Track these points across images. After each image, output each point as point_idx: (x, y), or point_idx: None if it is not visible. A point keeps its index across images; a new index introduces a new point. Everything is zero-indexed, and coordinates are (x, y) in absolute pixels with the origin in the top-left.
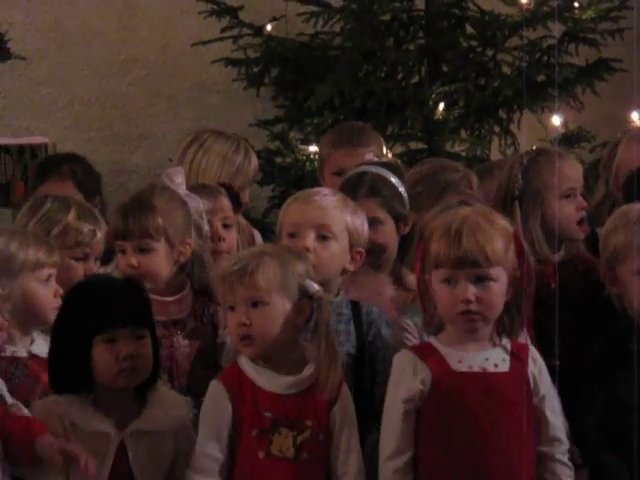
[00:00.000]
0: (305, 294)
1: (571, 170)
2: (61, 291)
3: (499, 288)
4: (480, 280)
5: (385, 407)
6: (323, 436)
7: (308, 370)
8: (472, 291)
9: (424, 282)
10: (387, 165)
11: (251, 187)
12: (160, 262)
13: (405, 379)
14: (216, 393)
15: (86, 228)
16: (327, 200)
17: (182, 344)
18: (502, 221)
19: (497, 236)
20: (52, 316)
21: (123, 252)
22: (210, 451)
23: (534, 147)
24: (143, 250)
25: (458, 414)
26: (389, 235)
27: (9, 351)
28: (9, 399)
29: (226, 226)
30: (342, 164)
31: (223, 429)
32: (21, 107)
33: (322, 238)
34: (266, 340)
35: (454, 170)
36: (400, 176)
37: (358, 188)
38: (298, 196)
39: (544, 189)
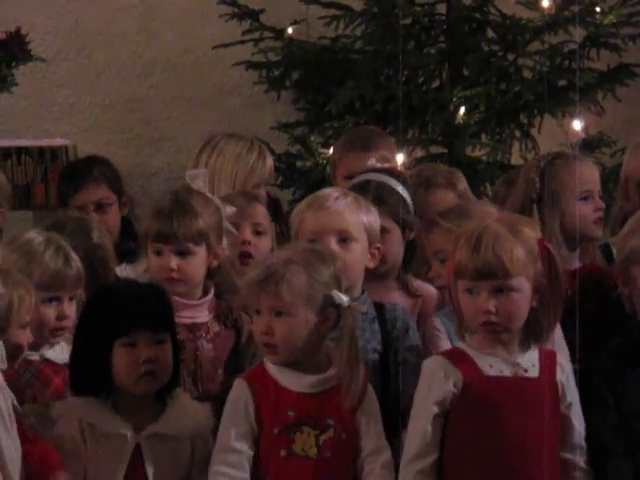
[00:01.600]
0: (331, 303)
1: (588, 172)
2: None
3: (521, 298)
4: (501, 291)
5: (414, 409)
6: (346, 435)
7: (332, 370)
8: (492, 303)
9: (455, 289)
10: (390, 172)
11: (266, 186)
12: (198, 267)
13: (437, 382)
14: (240, 391)
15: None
16: (341, 203)
17: (206, 348)
18: (527, 228)
19: (518, 245)
20: None
21: (158, 253)
22: (236, 445)
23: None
24: (182, 253)
25: (488, 418)
26: (396, 243)
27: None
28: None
29: (258, 233)
30: (352, 168)
31: (247, 425)
32: (42, 109)
33: (343, 242)
34: (289, 349)
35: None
36: (404, 182)
37: (363, 197)
38: (311, 202)
39: (562, 191)
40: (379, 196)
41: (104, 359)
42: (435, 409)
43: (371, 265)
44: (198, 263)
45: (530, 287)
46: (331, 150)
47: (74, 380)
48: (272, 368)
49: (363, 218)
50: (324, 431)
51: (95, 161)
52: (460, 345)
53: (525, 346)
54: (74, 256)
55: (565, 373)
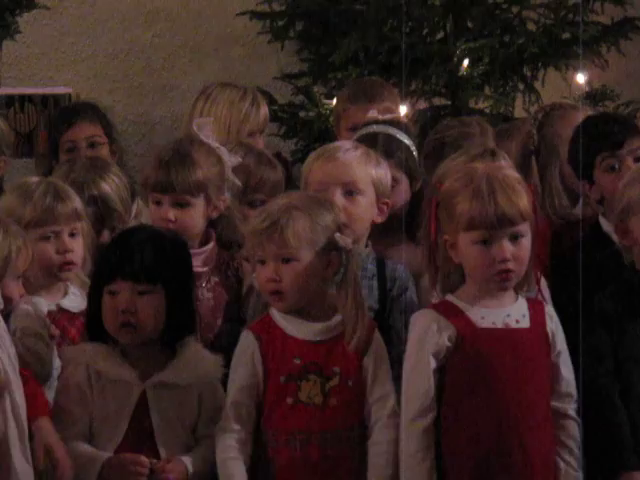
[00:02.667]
0: (334, 246)
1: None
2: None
3: (528, 243)
4: (515, 238)
5: (408, 366)
6: (352, 382)
7: (337, 317)
8: (510, 250)
9: (440, 243)
10: (393, 123)
11: (263, 135)
12: (196, 217)
13: (431, 336)
14: (246, 342)
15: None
16: (350, 155)
17: (206, 297)
18: (512, 172)
19: (523, 191)
20: None
21: (158, 203)
22: (242, 399)
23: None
24: (181, 204)
25: (483, 370)
26: (404, 194)
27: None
28: None
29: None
30: (357, 119)
31: (253, 377)
32: (45, 57)
33: (349, 194)
34: (296, 294)
35: (469, 138)
36: (408, 133)
37: (372, 149)
38: (320, 153)
39: (559, 142)
40: (387, 148)
41: (94, 304)
42: (433, 363)
43: (379, 219)
44: (197, 214)
45: (531, 234)
46: (334, 101)
47: (88, 325)
48: (278, 317)
49: (372, 171)
50: (330, 378)
51: (87, 103)
52: (449, 298)
53: (515, 295)
54: (70, 192)
55: (554, 322)
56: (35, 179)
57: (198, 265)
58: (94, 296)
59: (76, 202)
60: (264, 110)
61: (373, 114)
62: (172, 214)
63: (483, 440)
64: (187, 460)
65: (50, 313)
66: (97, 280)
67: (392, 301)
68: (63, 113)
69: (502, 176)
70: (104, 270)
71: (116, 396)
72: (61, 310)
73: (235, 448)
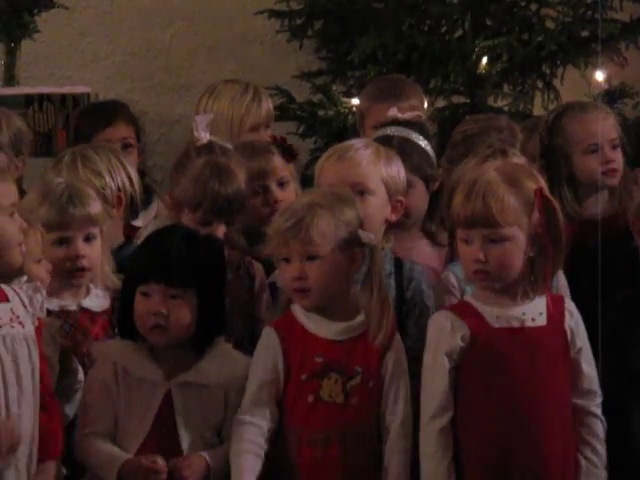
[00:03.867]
0: (357, 243)
1: (595, 125)
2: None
3: (514, 247)
4: (493, 240)
5: (425, 367)
6: (373, 383)
7: (360, 317)
8: (482, 252)
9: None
10: (411, 124)
11: (269, 130)
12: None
13: (445, 336)
14: (268, 338)
15: None
16: (360, 155)
17: None
18: (525, 177)
19: (511, 195)
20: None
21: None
22: (262, 395)
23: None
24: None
25: (498, 371)
26: (420, 198)
27: (57, 305)
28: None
29: (282, 184)
30: (382, 117)
31: (274, 374)
32: (64, 56)
33: (360, 194)
34: (322, 291)
35: (498, 131)
36: (426, 134)
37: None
38: (331, 153)
39: (568, 145)
40: (402, 152)
41: (126, 304)
42: (447, 363)
43: (393, 218)
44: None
45: (525, 237)
46: (353, 100)
47: (120, 322)
48: (300, 315)
49: (382, 170)
50: (352, 377)
51: (122, 104)
52: (467, 298)
53: (528, 296)
54: (87, 196)
55: (574, 318)
56: (58, 180)
57: None
58: (126, 294)
59: (92, 206)
60: (266, 104)
61: (393, 112)
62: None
63: (499, 439)
64: (208, 455)
65: (71, 313)
66: (129, 279)
67: (408, 301)
68: (99, 111)
69: (488, 179)
70: (137, 270)
71: (141, 394)
72: (82, 309)
73: (251, 442)
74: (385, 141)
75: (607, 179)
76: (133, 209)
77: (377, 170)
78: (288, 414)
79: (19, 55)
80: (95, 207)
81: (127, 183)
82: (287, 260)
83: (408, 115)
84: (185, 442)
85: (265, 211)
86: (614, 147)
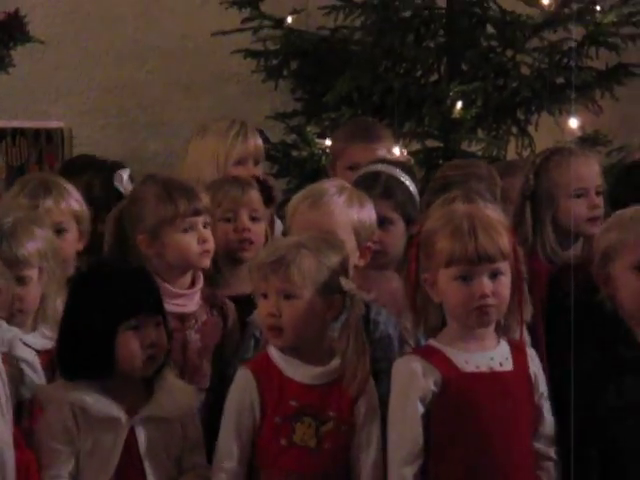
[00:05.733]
0: (338, 290)
1: (584, 169)
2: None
3: (508, 282)
4: (494, 275)
5: (394, 412)
6: (345, 428)
7: (335, 362)
8: (489, 286)
9: (420, 283)
10: (400, 165)
11: (257, 165)
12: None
13: (417, 381)
14: (244, 380)
15: None
16: (333, 203)
17: (194, 338)
18: (498, 216)
19: (504, 231)
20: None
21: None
22: (240, 437)
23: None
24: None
25: (469, 415)
26: (398, 236)
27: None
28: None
29: (254, 219)
30: (356, 159)
31: (251, 415)
32: (39, 91)
33: None
34: (295, 332)
35: (478, 179)
36: (412, 176)
37: (372, 188)
38: (306, 196)
39: (554, 189)
40: (388, 188)
41: (105, 343)
42: (420, 409)
43: (361, 263)
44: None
45: (510, 273)
46: (327, 141)
47: (64, 364)
48: (277, 357)
49: (354, 217)
50: (324, 422)
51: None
52: (430, 342)
53: (497, 338)
54: (28, 236)
55: (535, 364)
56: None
57: (189, 305)
58: (92, 334)
59: (26, 247)
60: (254, 140)
61: (383, 153)
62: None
63: None
64: None
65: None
66: (103, 318)
67: (374, 343)
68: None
69: (482, 215)
70: (123, 307)
71: (105, 433)
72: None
73: None
74: (373, 177)
75: (589, 226)
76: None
77: (349, 218)
78: (260, 455)
79: None
80: (31, 246)
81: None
82: (265, 296)
83: (396, 157)
84: (150, 477)
85: (234, 237)
86: (598, 194)
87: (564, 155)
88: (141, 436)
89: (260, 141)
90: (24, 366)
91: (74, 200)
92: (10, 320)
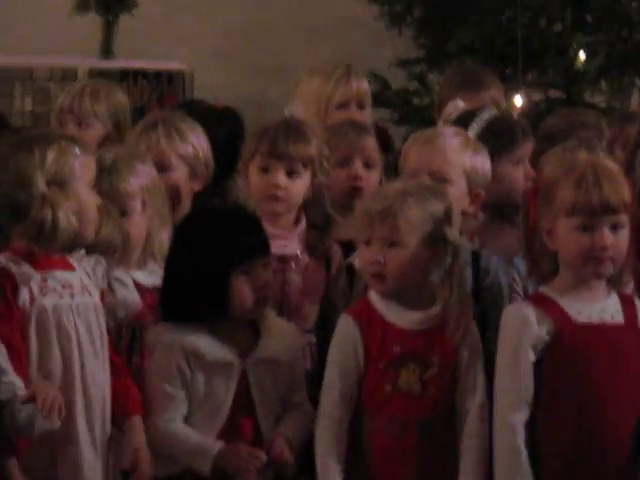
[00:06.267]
0: (442, 239)
1: None
2: None
3: (627, 235)
4: (614, 227)
5: (503, 359)
6: (449, 373)
7: (436, 308)
8: (610, 238)
9: (537, 230)
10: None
11: (362, 109)
12: (302, 189)
13: (530, 328)
14: (346, 326)
15: None
16: (446, 143)
17: (295, 280)
18: (617, 166)
19: (625, 183)
20: None
21: (265, 171)
22: (346, 383)
23: None
24: (291, 174)
25: (581, 368)
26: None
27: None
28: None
29: (368, 165)
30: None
31: (356, 361)
32: (162, 33)
33: (439, 182)
34: (398, 279)
35: (584, 127)
36: None
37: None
38: (418, 137)
39: None
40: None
41: (218, 286)
42: (532, 356)
43: (470, 210)
44: (303, 186)
45: (630, 225)
46: None
47: (172, 305)
48: (378, 303)
49: (466, 160)
50: (428, 367)
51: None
52: (543, 290)
53: (608, 290)
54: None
55: None
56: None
57: (290, 247)
58: (206, 277)
59: (130, 180)
60: (356, 83)
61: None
62: (282, 181)
63: (580, 439)
64: (290, 437)
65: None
66: (214, 263)
67: (485, 292)
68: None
69: (605, 165)
70: (232, 252)
71: (218, 376)
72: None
73: (339, 442)
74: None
75: None
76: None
77: (460, 160)
78: (365, 401)
79: (116, 29)
80: (133, 181)
81: (209, 155)
82: (368, 243)
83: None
84: (262, 419)
85: (347, 184)
86: None
87: None
88: (253, 378)
89: (365, 85)
90: (117, 286)
91: (186, 141)
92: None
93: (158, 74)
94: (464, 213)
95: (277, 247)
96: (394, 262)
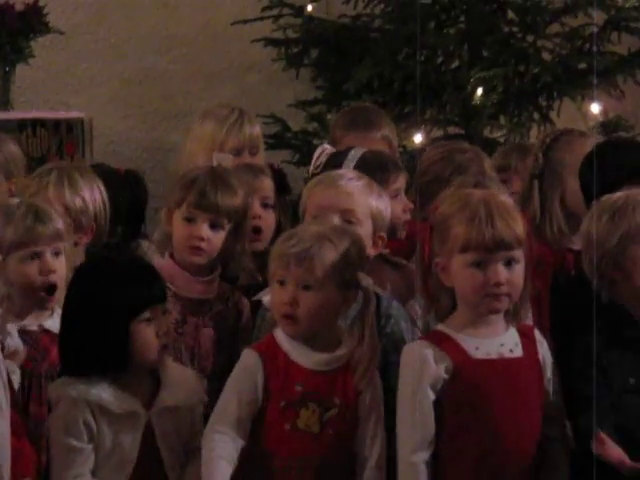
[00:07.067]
0: (356, 284)
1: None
2: None
3: (522, 270)
4: (508, 263)
5: (404, 399)
6: (350, 415)
7: (342, 350)
8: (504, 274)
9: (432, 268)
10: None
11: (254, 155)
12: (221, 242)
13: (428, 367)
14: (249, 360)
15: None
16: (353, 184)
17: (207, 325)
18: (511, 201)
19: (519, 218)
20: None
21: (190, 221)
22: (241, 414)
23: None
24: (214, 226)
25: (481, 403)
26: None
27: (18, 325)
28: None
29: (265, 205)
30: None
31: (254, 395)
32: (59, 81)
33: (347, 223)
34: (309, 322)
35: (462, 152)
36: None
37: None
38: (322, 179)
39: (562, 168)
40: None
41: (120, 337)
42: (432, 395)
43: (372, 252)
44: (222, 238)
45: (524, 260)
46: None
47: (72, 359)
48: (284, 341)
49: (372, 203)
50: (329, 409)
51: None
52: (440, 327)
53: (506, 324)
54: (51, 213)
55: (544, 348)
56: (16, 200)
57: (204, 293)
58: (105, 329)
59: (58, 223)
60: (250, 129)
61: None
62: (206, 233)
63: (482, 472)
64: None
65: (32, 333)
66: (113, 313)
67: (385, 337)
68: None
69: (498, 201)
70: (132, 301)
71: (125, 428)
72: (43, 331)
73: (225, 450)
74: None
75: None
76: (99, 238)
77: (367, 201)
78: (263, 438)
79: (14, 79)
80: (60, 223)
81: (102, 211)
82: (282, 283)
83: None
84: (169, 468)
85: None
86: None
87: (574, 135)
88: (158, 428)
89: (257, 130)
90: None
91: (75, 192)
92: (40, 303)
93: (57, 123)
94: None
95: (190, 292)
96: (307, 305)
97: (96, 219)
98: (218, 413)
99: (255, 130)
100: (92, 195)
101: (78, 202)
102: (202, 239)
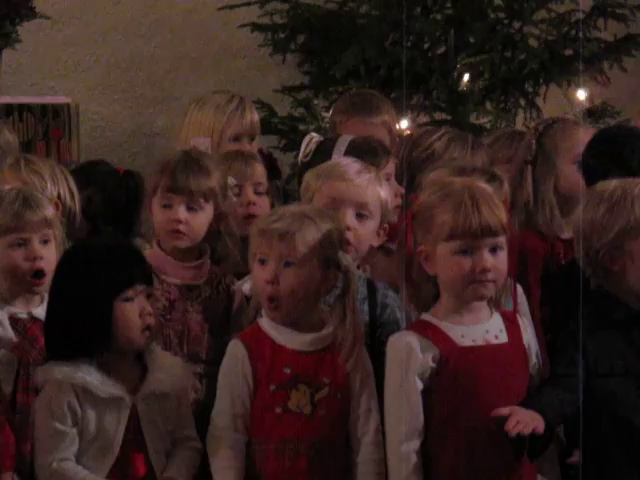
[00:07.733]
0: (335, 263)
1: (585, 137)
2: None
3: (506, 256)
4: (494, 249)
5: (391, 389)
6: (341, 394)
7: (327, 330)
8: (490, 260)
9: (414, 255)
10: None
11: (255, 142)
12: (204, 223)
13: (415, 357)
14: (235, 351)
15: None
16: (364, 177)
17: (196, 310)
18: (491, 190)
19: (501, 205)
20: None
21: (166, 206)
22: (237, 409)
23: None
24: (192, 208)
25: (469, 390)
26: None
27: (7, 312)
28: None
29: (258, 193)
30: (355, 132)
31: (245, 386)
32: (45, 67)
33: (360, 216)
34: (291, 301)
35: (437, 138)
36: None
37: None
38: (331, 170)
39: (556, 154)
40: None
41: (102, 316)
42: (419, 385)
43: (375, 243)
44: (204, 220)
45: (507, 247)
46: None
47: (58, 343)
48: (268, 327)
49: (381, 194)
50: (319, 389)
51: None
52: (425, 317)
53: (490, 311)
54: (40, 200)
55: (529, 333)
56: (7, 187)
57: (191, 278)
58: (87, 310)
59: (47, 210)
60: (250, 116)
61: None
62: (183, 215)
63: (472, 459)
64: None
65: (21, 321)
66: (96, 294)
67: (381, 326)
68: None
69: (481, 188)
70: (117, 280)
71: (109, 412)
72: (33, 319)
73: (232, 457)
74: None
75: None
76: (70, 227)
77: (378, 194)
78: (255, 425)
79: (0, 64)
80: (49, 210)
81: (68, 196)
82: (263, 262)
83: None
84: (153, 455)
85: (240, 212)
86: None
87: (567, 123)
88: (143, 413)
89: (256, 117)
90: None
91: (32, 172)
92: (27, 288)
93: (44, 108)
94: (371, 247)
95: (178, 277)
96: (289, 282)
97: (59, 197)
98: (215, 413)
99: (255, 117)
100: (52, 175)
101: (37, 180)
102: (180, 221)
